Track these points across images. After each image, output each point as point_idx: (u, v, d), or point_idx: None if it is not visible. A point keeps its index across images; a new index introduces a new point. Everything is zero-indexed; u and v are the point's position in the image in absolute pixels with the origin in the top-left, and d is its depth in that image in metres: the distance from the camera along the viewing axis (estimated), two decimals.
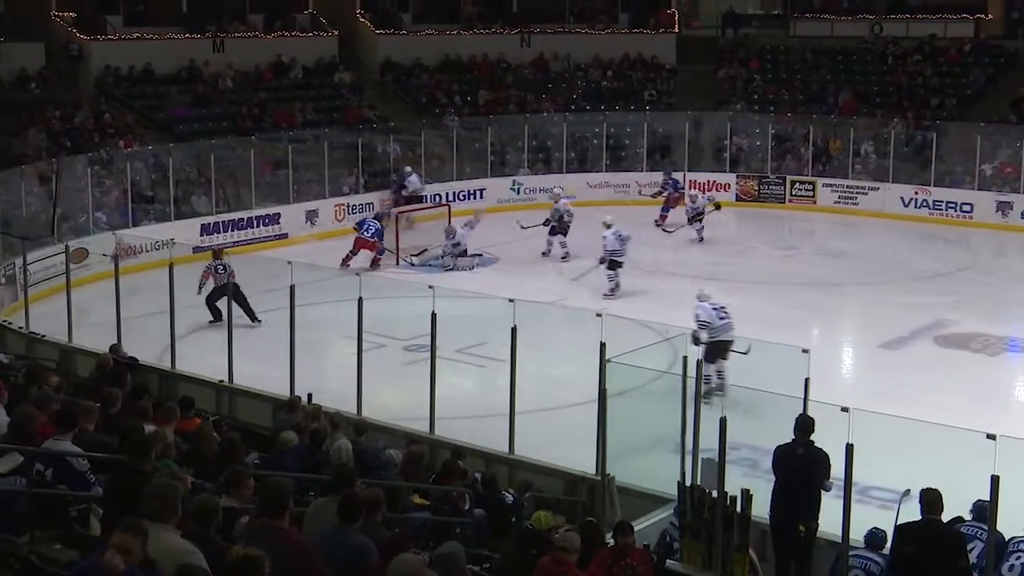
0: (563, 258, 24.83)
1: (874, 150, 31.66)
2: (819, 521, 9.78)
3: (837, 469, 9.17)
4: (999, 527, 8.58)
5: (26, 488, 7.84)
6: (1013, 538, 8.90)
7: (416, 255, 24.71)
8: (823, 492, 9.73)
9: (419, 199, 28.39)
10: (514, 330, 12.43)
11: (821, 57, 36.26)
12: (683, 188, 28.95)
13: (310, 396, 13.34)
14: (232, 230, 26.23)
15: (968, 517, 9.10)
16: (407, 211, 26.97)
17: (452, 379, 15.03)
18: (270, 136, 29.24)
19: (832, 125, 32.63)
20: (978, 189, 29.45)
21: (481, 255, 24.75)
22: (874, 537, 9.11)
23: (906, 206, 29.83)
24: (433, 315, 13.08)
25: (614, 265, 21.85)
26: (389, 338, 17.49)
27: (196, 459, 9.40)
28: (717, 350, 15.26)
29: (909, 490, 9.68)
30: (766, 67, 36.72)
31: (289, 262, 14.64)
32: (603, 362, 11.39)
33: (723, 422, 9.40)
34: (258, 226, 26.78)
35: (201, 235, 25.37)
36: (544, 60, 36.49)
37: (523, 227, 25.62)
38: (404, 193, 28.65)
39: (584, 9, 39.12)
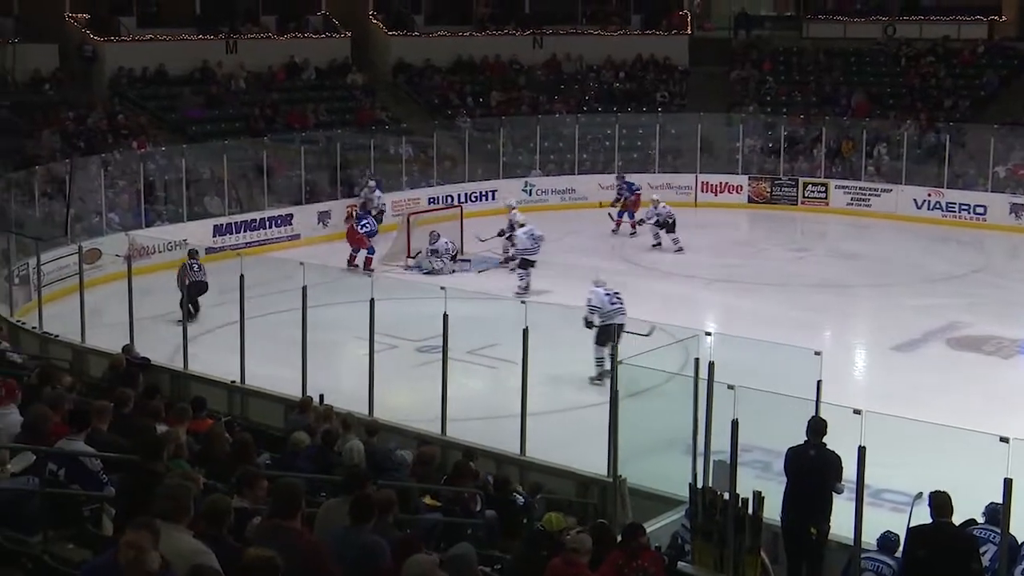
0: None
1: (887, 152, 31.59)
2: (831, 523, 9.76)
3: (849, 471, 9.15)
4: (1012, 530, 8.55)
5: (39, 488, 7.86)
6: None
7: (412, 257, 24.70)
8: (835, 494, 9.71)
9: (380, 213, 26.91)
10: (526, 331, 12.43)
11: (834, 59, 36.20)
12: (639, 189, 28.30)
13: (322, 397, 13.35)
14: (244, 231, 26.28)
15: (981, 520, 9.07)
16: (418, 213, 26.98)
17: (463, 380, 15.03)
18: (282, 137, 29.30)
19: (845, 127, 32.60)
20: (991, 191, 29.38)
21: (469, 260, 24.57)
22: (887, 540, 9.08)
23: (919, 208, 29.76)
24: (445, 316, 13.08)
25: (526, 264, 21.93)
26: (401, 339, 17.49)
27: (208, 459, 9.42)
28: (608, 333, 15.92)
29: (922, 493, 9.63)
30: (779, 69, 36.68)
31: (301, 263, 14.66)
32: (615, 363, 11.38)
33: (735, 424, 9.38)
34: (270, 227, 26.82)
35: (214, 236, 25.42)
36: (556, 61, 36.51)
37: (481, 240, 25.09)
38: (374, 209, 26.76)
39: (596, 10, 39.13)
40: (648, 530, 9.05)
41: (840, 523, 9.64)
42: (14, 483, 8.13)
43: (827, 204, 31.22)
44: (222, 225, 25.98)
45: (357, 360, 14.74)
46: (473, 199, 29.74)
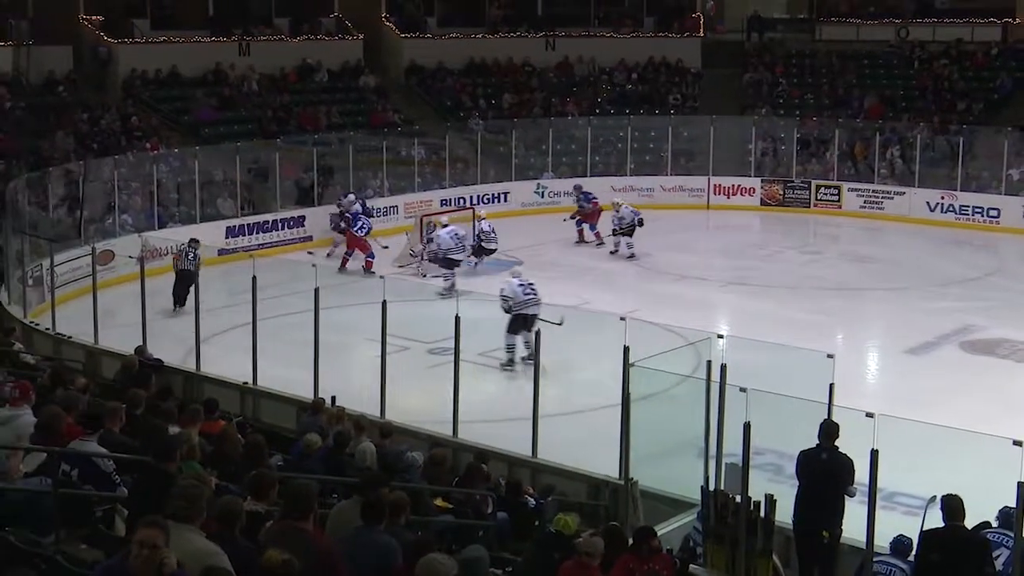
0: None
1: (900, 154, 31.51)
2: (843, 527, 9.74)
3: (862, 475, 9.13)
4: None
5: (52, 488, 7.88)
6: None
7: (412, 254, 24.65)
8: (847, 498, 9.69)
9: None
10: (538, 334, 12.45)
11: (847, 61, 36.14)
12: (595, 199, 27.65)
13: (334, 399, 13.37)
14: (257, 232, 26.31)
15: (995, 523, 9.04)
16: (430, 215, 26.97)
17: (476, 382, 15.04)
18: (295, 139, 29.35)
19: (858, 129, 32.52)
20: (1005, 194, 29.28)
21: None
22: (900, 544, 9.06)
23: (932, 211, 29.65)
24: (457, 318, 13.10)
25: (450, 264, 21.99)
26: (413, 341, 17.49)
27: (220, 461, 9.43)
28: (519, 322, 17.01)
29: (935, 496, 9.62)
30: (791, 71, 36.62)
31: (314, 265, 14.70)
32: (627, 366, 11.38)
33: (747, 427, 9.37)
34: (283, 228, 26.84)
35: (226, 237, 25.46)
36: (569, 63, 36.50)
37: (384, 247, 24.78)
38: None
39: (609, 12, 39.13)
40: (660, 533, 9.05)
41: (852, 526, 9.62)
42: (28, 483, 8.16)
43: (840, 207, 31.14)
44: (235, 227, 26.02)
45: (369, 362, 14.76)
46: (485, 201, 29.73)
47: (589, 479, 12.12)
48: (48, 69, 28.96)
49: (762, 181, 32.09)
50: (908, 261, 25.87)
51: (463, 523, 9.90)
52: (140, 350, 15.16)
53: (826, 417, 10.02)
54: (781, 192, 31.88)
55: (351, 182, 28.43)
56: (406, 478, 10.58)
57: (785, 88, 35.78)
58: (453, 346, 13.42)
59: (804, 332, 19.23)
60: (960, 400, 15.94)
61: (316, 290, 14.30)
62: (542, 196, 31.42)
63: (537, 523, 10.40)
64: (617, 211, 25.78)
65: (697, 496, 9.75)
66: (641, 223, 25.42)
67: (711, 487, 9.69)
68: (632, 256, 25.33)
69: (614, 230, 25.77)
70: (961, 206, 29.54)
